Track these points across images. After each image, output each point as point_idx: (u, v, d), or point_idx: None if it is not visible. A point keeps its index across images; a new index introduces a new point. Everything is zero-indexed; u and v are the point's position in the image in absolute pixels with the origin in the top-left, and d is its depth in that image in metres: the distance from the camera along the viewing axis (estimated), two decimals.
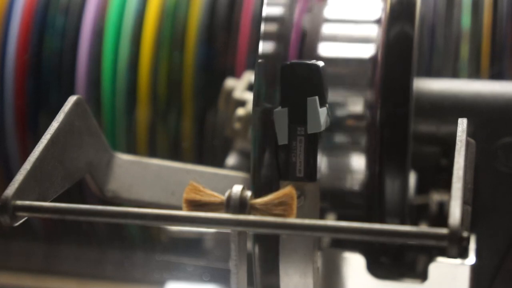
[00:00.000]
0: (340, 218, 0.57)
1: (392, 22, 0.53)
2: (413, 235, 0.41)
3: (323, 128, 0.47)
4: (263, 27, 0.51)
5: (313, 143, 0.47)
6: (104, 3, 0.79)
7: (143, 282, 0.84)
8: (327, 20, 0.54)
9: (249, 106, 0.63)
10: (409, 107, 0.53)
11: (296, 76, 0.47)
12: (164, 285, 0.81)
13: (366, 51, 0.53)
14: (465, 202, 0.43)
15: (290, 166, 0.47)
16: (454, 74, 0.74)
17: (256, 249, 0.51)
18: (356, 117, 0.53)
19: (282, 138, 0.47)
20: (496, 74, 0.73)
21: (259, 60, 0.50)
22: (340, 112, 0.53)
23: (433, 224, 0.59)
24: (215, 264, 0.70)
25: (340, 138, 0.53)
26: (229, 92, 0.67)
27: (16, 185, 0.45)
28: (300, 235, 0.49)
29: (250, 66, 0.76)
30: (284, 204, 0.43)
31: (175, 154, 0.78)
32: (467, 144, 0.46)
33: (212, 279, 0.79)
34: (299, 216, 0.44)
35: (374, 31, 0.53)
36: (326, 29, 0.54)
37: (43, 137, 0.49)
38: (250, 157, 0.51)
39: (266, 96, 0.50)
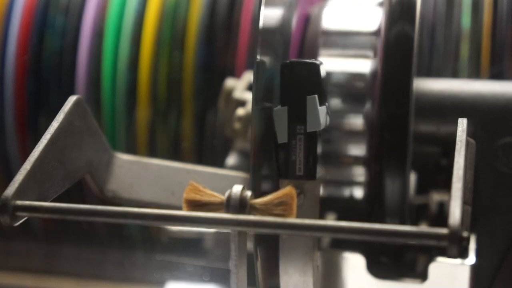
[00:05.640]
0: (340, 217, 0.57)
1: (392, 22, 0.53)
2: (413, 235, 0.41)
3: (322, 126, 0.47)
4: (261, 25, 0.51)
5: (312, 142, 0.47)
6: (104, 3, 0.79)
7: (143, 282, 0.84)
8: (327, 20, 0.55)
9: (249, 106, 0.63)
10: (409, 107, 0.53)
11: (296, 75, 0.47)
12: (164, 285, 0.81)
13: (367, 51, 0.53)
14: (465, 202, 0.43)
15: (289, 164, 0.47)
16: (454, 74, 0.74)
17: (258, 249, 0.51)
18: (356, 117, 0.53)
19: (282, 137, 0.47)
20: (496, 74, 0.73)
21: (259, 59, 0.50)
22: (340, 112, 0.53)
23: (433, 224, 0.59)
24: (215, 264, 0.70)
25: (340, 137, 0.53)
26: (229, 92, 0.67)
27: (16, 185, 0.45)
28: (300, 235, 0.49)
29: (250, 66, 0.76)
30: (284, 204, 0.43)
31: (175, 154, 0.78)
32: (467, 144, 0.46)
33: (212, 279, 0.79)
34: (298, 214, 0.44)
35: (375, 31, 0.53)
36: (326, 28, 0.54)
37: (43, 137, 0.49)
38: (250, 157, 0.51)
39: (266, 95, 0.50)
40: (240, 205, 0.44)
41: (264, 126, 0.49)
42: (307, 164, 0.47)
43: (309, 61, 0.48)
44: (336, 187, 0.55)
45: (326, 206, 0.56)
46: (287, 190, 0.44)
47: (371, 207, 0.55)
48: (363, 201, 0.55)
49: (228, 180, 0.56)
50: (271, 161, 0.50)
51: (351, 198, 0.55)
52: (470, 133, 0.48)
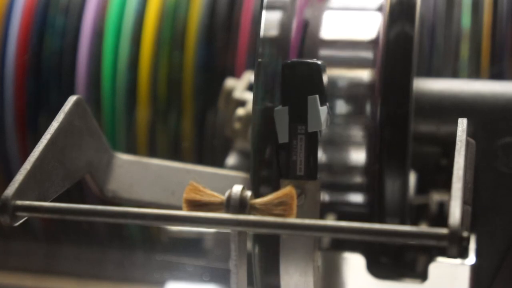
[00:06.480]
0: (340, 217, 0.57)
1: (392, 22, 0.53)
2: (413, 235, 0.41)
3: (323, 126, 0.47)
4: (263, 25, 0.51)
5: (313, 142, 0.47)
6: (104, 3, 0.79)
7: (143, 282, 0.84)
8: (327, 20, 0.55)
9: (249, 106, 0.63)
10: (409, 107, 0.53)
11: (297, 75, 0.47)
12: (164, 285, 0.81)
13: (367, 51, 0.53)
14: (465, 202, 0.43)
15: (290, 164, 0.47)
16: (454, 74, 0.74)
17: (256, 249, 0.51)
18: (357, 117, 0.53)
19: (283, 137, 0.47)
20: (496, 74, 0.73)
21: (259, 59, 0.50)
22: (340, 112, 0.53)
23: (433, 224, 0.59)
24: (215, 264, 0.70)
25: (340, 137, 0.53)
26: (229, 92, 0.67)
27: (16, 185, 0.45)
28: (300, 235, 0.49)
29: (250, 66, 0.76)
30: (284, 204, 0.43)
31: (175, 154, 0.78)
32: (467, 144, 0.46)
33: (212, 279, 0.79)
34: (299, 214, 0.44)
35: (374, 31, 0.53)
36: (327, 28, 0.54)
37: (43, 137, 0.49)
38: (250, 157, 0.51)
39: (266, 95, 0.50)
40: (240, 205, 0.44)
41: (265, 126, 0.49)
42: (308, 164, 0.47)
43: (310, 61, 0.48)
44: (336, 187, 0.55)
45: (326, 206, 0.56)
46: (287, 190, 0.44)
47: (371, 207, 0.55)
48: (363, 201, 0.55)
49: (228, 180, 0.56)
50: (271, 161, 0.50)
51: (351, 198, 0.55)
52: (470, 133, 0.48)
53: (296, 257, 0.50)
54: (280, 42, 0.51)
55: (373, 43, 0.53)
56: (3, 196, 0.45)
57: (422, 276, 0.57)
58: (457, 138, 0.46)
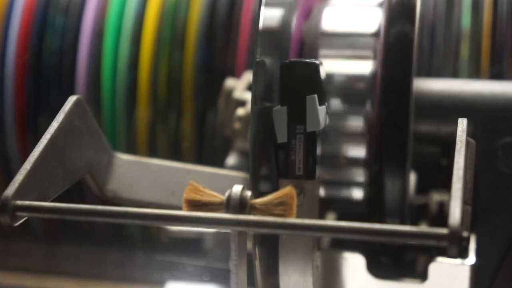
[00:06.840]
0: (340, 217, 0.57)
1: (392, 23, 0.53)
2: (413, 235, 0.41)
3: (322, 126, 0.47)
4: (261, 25, 0.51)
5: (312, 142, 0.47)
6: (104, 3, 0.79)
7: (143, 282, 0.84)
8: (327, 20, 0.54)
9: (249, 106, 0.63)
10: (409, 107, 0.53)
11: (295, 75, 0.47)
12: (164, 285, 0.81)
13: (366, 51, 0.53)
14: (465, 202, 0.43)
15: (289, 164, 0.47)
16: (454, 74, 0.74)
17: (256, 249, 0.51)
18: (356, 117, 0.53)
19: (281, 137, 0.47)
20: (496, 74, 0.73)
21: (258, 59, 0.50)
22: (340, 112, 0.53)
23: (433, 224, 0.59)
24: (215, 264, 0.70)
25: (340, 137, 0.53)
26: (229, 92, 0.67)
27: (16, 185, 0.45)
28: (300, 235, 0.49)
29: (250, 66, 0.76)
30: (284, 204, 0.43)
31: (175, 154, 0.78)
32: (467, 144, 0.46)
33: (212, 279, 0.79)
34: (298, 214, 0.44)
35: (374, 31, 0.53)
36: (327, 28, 0.54)
37: (43, 137, 0.49)
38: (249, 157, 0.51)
39: (265, 95, 0.50)
40: (240, 205, 0.44)
41: (263, 126, 0.49)
42: (307, 164, 0.47)
43: (308, 60, 0.48)
44: (336, 187, 0.55)
45: (326, 206, 0.55)
46: (287, 190, 0.44)
47: (371, 207, 0.55)
48: (363, 201, 0.55)
49: (228, 180, 0.56)
50: (270, 161, 0.50)
51: (351, 198, 0.55)
52: (470, 133, 0.48)
53: (295, 257, 0.50)
54: (279, 42, 0.51)
55: (373, 43, 0.53)
56: (3, 196, 0.45)
57: (422, 276, 0.57)
58: (457, 138, 0.46)
